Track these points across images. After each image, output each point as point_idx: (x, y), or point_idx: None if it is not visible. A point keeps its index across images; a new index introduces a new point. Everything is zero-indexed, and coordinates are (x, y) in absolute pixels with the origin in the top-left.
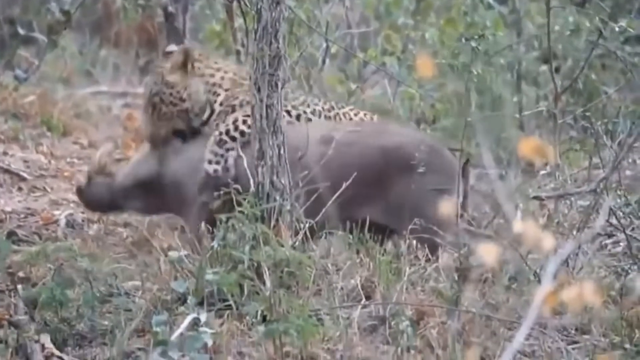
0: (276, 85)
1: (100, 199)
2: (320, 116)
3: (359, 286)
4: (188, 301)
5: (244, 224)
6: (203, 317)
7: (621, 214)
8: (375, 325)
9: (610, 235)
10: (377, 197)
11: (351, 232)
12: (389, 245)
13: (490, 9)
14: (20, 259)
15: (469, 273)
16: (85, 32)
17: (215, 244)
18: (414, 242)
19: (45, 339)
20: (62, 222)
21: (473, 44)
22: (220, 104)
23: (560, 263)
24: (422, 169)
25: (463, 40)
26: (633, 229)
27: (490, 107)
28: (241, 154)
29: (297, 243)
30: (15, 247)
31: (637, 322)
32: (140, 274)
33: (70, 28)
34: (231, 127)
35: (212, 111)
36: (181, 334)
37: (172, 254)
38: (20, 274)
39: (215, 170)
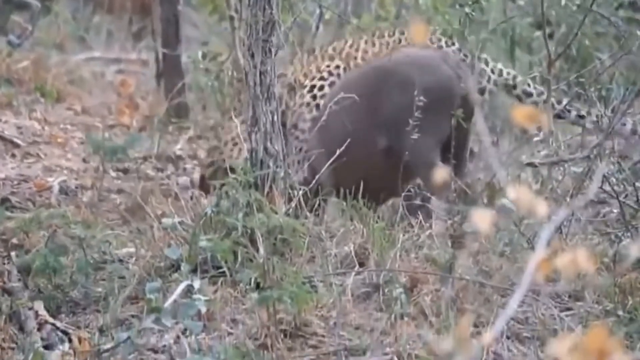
0: (270, 51)
1: None
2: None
3: (353, 253)
4: (181, 268)
5: (238, 190)
6: (196, 284)
7: (614, 180)
8: (369, 292)
9: (603, 202)
10: None
11: (345, 199)
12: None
13: None
14: (14, 225)
15: (463, 240)
16: None
17: (208, 210)
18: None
19: (39, 306)
20: (56, 188)
21: (467, 9)
22: None
23: (554, 230)
24: None
25: (457, 6)
26: (626, 195)
27: None
28: None
29: (290, 210)
30: (8, 213)
31: (630, 289)
32: (134, 240)
33: None
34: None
35: None
36: (175, 301)
37: (166, 220)
38: (14, 240)
39: None
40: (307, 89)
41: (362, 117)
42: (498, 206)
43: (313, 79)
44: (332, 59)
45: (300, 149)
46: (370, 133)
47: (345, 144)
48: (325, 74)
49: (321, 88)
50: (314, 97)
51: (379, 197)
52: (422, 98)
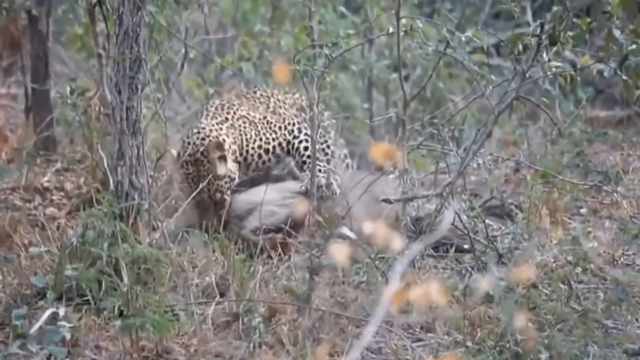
0: (136, 87)
1: None
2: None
3: (214, 283)
4: (47, 296)
5: (103, 221)
6: (62, 312)
7: (465, 217)
8: (229, 321)
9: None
10: None
11: (207, 231)
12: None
13: (343, 18)
14: None
15: (320, 272)
16: None
17: (74, 240)
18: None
19: None
20: None
21: (326, 51)
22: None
23: (407, 264)
24: None
25: (317, 47)
26: (477, 232)
27: (343, 112)
28: None
29: (154, 241)
30: None
31: (479, 321)
32: (1, 268)
33: None
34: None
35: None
36: (40, 327)
37: (33, 249)
38: None
39: None
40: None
41: None
42: (337, 234)
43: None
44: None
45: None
46: None
47: None
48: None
49: None
50: None
51: None
52: None
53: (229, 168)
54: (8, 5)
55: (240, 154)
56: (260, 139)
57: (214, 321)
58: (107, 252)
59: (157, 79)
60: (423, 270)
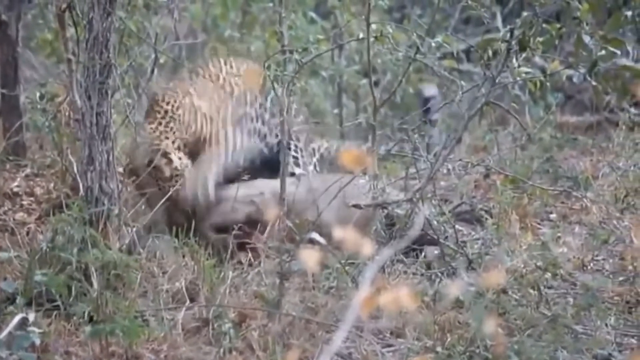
0: (106, 93)
1: None
2: None
3: (184, 289)
4: (17, 301)
5: (73, 227)
6: (31, 317)
7: (435, 222)
8: (199, 326)
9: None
10: None
11: (177, 236)
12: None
13: (313, 24)
14: None
15: (291, 277)
16: None
17: (44, 245)
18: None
19: None
20: None
21: (296, 56)
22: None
23: (377, 269)
24: None
25: (287, 53)
26: (447, 237)
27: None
28: None
29: (124, 246)
30: None
31: (449, 326)
32: None
33: None
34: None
35: None
36: (9, 332)
37: (2, 254)
38: None
39: None
40: None
41: None
42: (307, 239)
43: None
44: None
45: None
46: None
47: None
48: None
49: None
50: None
51: None
52: None
53: (175, 166)
54: None
55: None
56: None
57: (184, 327)
58: (77, 257)
59: (127, 84)
60: (393, 275)
